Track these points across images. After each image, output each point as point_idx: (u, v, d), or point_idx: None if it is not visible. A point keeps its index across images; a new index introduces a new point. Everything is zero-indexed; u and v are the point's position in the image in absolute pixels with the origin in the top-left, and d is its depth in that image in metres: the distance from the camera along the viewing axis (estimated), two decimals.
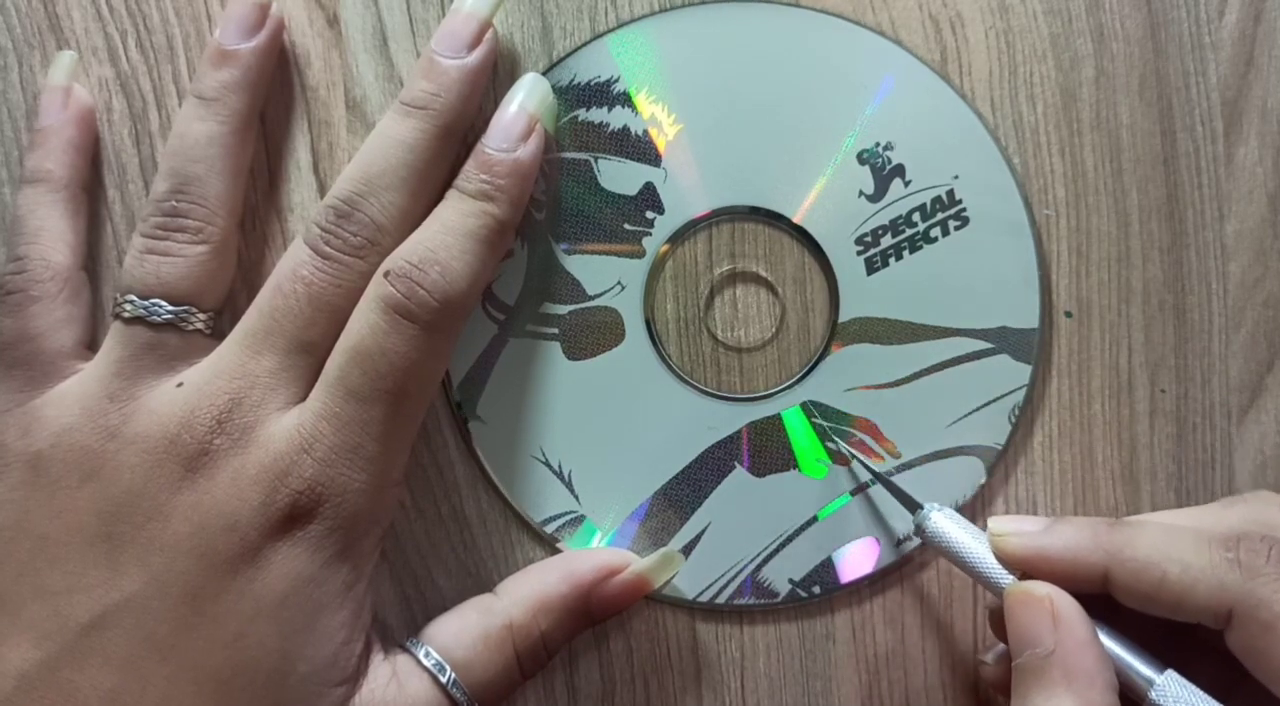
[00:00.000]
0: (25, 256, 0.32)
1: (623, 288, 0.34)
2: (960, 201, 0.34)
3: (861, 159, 0.34)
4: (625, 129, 0.34)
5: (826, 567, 0.34)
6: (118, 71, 0.34)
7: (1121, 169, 0.34)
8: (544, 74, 0.34)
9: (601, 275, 0.34)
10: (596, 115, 0.34)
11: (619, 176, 0.34)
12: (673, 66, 0.34)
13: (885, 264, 0.34)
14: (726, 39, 0.34)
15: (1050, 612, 0.28)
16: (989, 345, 0.34)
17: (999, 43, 0.34)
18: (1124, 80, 0.34)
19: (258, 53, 0.32)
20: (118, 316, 0.31)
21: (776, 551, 0.34)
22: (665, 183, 0.34)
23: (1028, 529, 0.30)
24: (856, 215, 0.34)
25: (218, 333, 0.32)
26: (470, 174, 0.31)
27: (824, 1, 0.34)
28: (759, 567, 0.34)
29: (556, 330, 0.34)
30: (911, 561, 0.34)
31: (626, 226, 0.34)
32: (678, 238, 0.34)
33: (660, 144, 0.34)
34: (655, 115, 0.34)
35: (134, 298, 0.31)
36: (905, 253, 0.34)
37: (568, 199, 0.34)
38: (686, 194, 0.34)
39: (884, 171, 0.34)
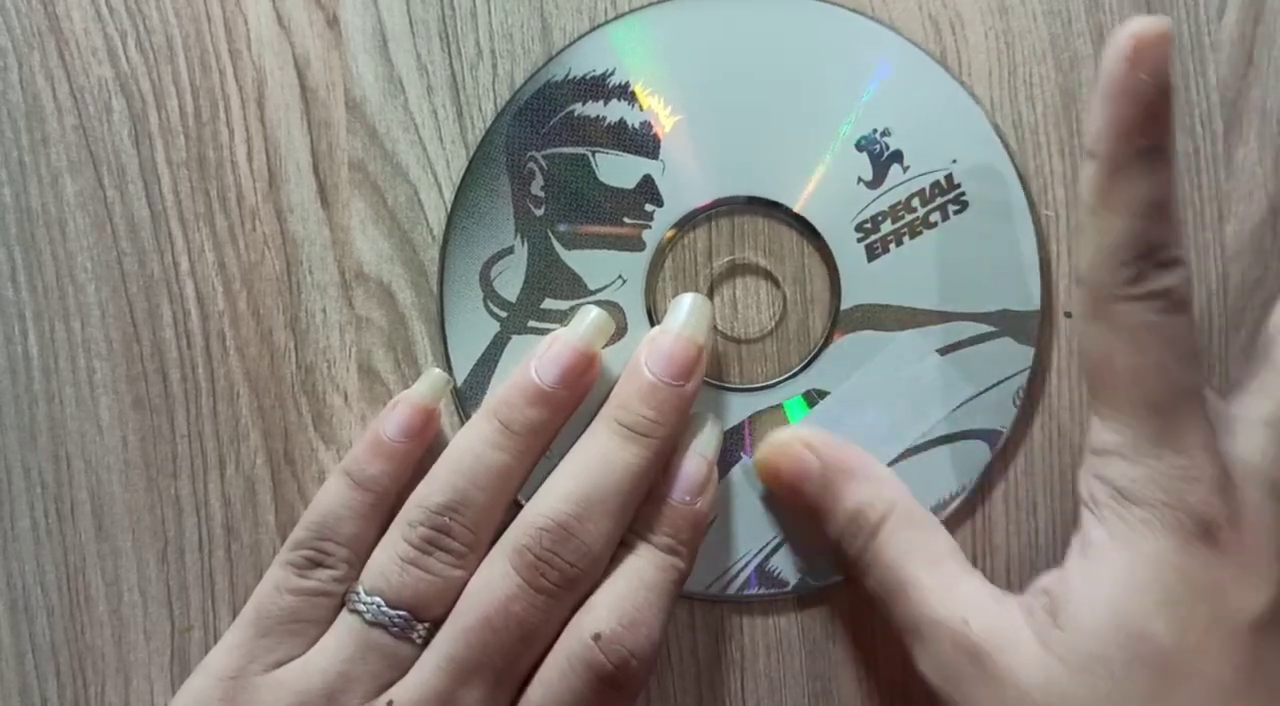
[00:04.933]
0: (333, 555, 0.32)
1: (624, 281, 0.34)
2: (959, 186, 0.34)
3: (859, 146, 0.34)
4: (622, 122, 0.34)
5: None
6: (117, 72, 0.34)
7: None
8: (541, 68, 0.34)
9: (602, 270, 0.34)
10: (593, 109, 0.34)
11: (617, 170, 0.34)
12: (668, 57, 0.34)
13: (886, 250, 0.34)
14: (722, 29, 0.34)
15: (801, 443, 0.32)
16: (991, 328, 0.34)
17: (998, 43, 0.34)
18: None
19: (571, 401, 0.32)
20: (357, 613, 0.31)
21: (785, 541, 0.34)
22: (664, 175, 0.34)
23: None
24: (856, 202, 0.34)
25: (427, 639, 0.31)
26: (659, 528, 0.31)
27: None
28: (767, 558, 0.34)
29: (559, 326, 0.34)
30: None
31: (626, 220, 0.34)
32: (678, 229, 0.34)
33: (658, 136, 0.34)
34: (652, 107, 0.34)
35: (380, 602, 0.31)
36: (905, 238, 0.34)
37: (567, 194, 0.34)
38: (685, 186, 0.34)
39: (882, 158, 0.34)
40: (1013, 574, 0.34)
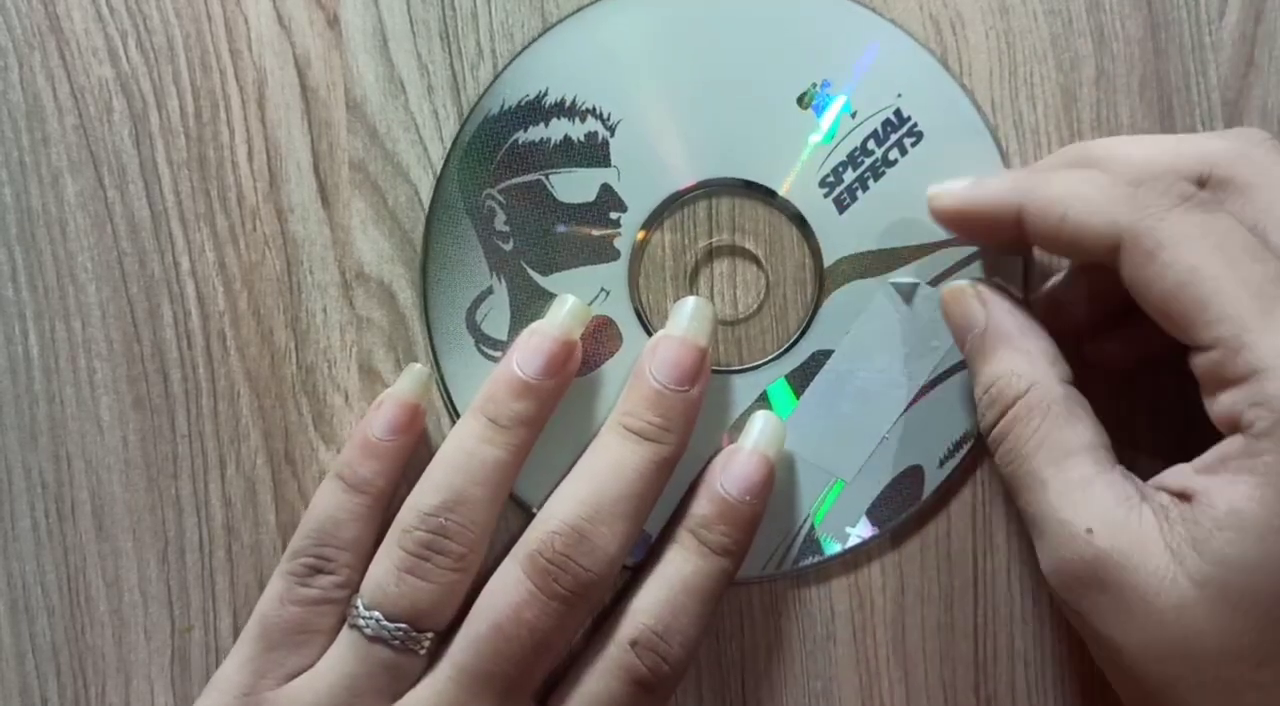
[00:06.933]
0: (334, 560, 0.32)
1: (607, 294, 0.34)
2: (909, 118, 0.34)
3: (802, 103, 0.34)
4: (567, 138, 0.34)
5: (879, 505, 0.34)
6: (118, 72, 0.34)
7: None
8: (475, 106, 0.34)
9: (583, 288, 0.34)
10: (535, 133, 0.34)
11: (574, 186, 0.34)
12: (595, 63, 0.34)
13: (854, 199, 0.34)
14: (648, 25, 0.34)
15: (976, 296, 0.31)
16: (974, 249, 0.33)
17: (999, 43, 0.34)
18: (1124, 81, 0.34)
19: (556, 391, 0.32)
20: (357, 629, 0.31)
21: (822, 507, 0.33)
22: (620, 180, 0.34)
23: (957, 187, 0.31)
24: (814, 160, 0.34)
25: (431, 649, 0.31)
26: (714, 525, 0.31)
27: None
28: (811, 529, 0.34)
29: None
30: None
31: (594, 233, 0.34)
32: (647, 228, 0.34)
33: (605, 143, 0.34)
34: (591, 116, 0.34)
35: (379, 616, 0.30)
36: (870, 182, 0.34)
37: (531, 223, 0.34)
38: (644, 185, 0.34)
39: (827, 109, 0.34)
40: None
